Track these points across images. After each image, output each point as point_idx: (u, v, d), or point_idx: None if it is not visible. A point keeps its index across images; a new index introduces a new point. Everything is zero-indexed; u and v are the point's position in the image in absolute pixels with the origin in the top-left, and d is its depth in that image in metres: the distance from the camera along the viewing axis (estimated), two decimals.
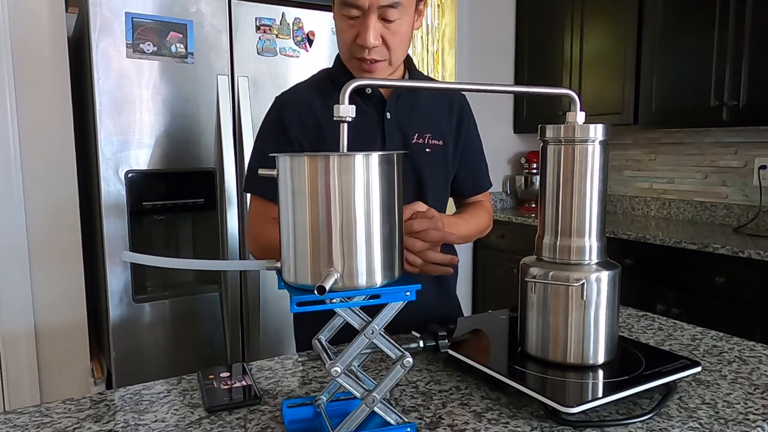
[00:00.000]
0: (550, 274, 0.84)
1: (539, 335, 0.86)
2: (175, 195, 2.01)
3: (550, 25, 3.26)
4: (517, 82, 3.50)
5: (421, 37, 3.25)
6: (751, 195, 2.73)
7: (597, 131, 0.82)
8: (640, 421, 0.76)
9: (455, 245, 1.27)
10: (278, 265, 0.69)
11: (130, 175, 1.91)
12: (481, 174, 1.35)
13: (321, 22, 2.18)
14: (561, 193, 0.85)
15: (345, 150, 0.68)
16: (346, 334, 0.77)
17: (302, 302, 0.64)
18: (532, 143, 3.64)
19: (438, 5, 3.28)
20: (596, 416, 0.77)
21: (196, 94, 2.00)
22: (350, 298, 0.68)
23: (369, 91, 1.17)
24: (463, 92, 1.29)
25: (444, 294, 1.28)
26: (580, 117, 0.83)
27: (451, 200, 1.34)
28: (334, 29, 1.16)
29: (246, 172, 1.24)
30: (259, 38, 2.08)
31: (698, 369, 0.85)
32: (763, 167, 2.66)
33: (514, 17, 3.49)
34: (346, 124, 0.69)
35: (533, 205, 3.46)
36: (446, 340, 0.93)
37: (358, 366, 0.78)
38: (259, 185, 1.18)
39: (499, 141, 3.51)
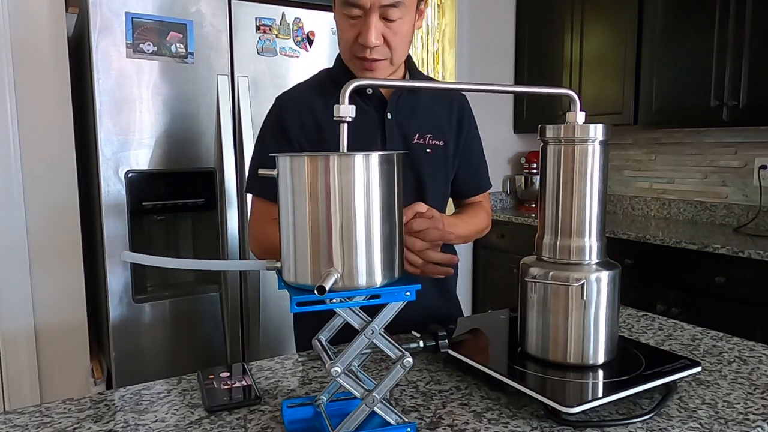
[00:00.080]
0: (550, 274, 0.84)
1: (539, 335, 0.86)
2: (175, 195, 2.01)
3: (550, 25, 3.26)
4: (517, 82, 3.50)
5: (421, 37, 3.25)
6: (751, 195, 2.73)
7: (597, 131, 0.82)
8: (640, 421, 0.76)
9: (455, 245, 1.27)
10: (278, 265, 0.69)
11: (130, 175, 1.91)
12: (481, 174, 1.35)
13: (321, 22, 2.18)
14: (561, 193, 0.85)
15: (345, 150, 0.68)
16: (346, 334, 0.77)
17: (302, 302, 0.64)
18: (532, 143, 3.64)
19: (438, 5, 3.28)
20: (596, 416, 0.77)
21: (196, 94, 2.00)
22: (350, 298, 0.68)
23: (370, 91, 1.17)
24: (463, 92, 1.29)
25: (444, 294, 1.28)
26: (580, 117, 0.83)
27: (450, 200, 1.34)
28: (335, 29, 1.16)
29: (247, 173, 1.24)
30: (259, 38, 2.08)
31: (698, 369, 0.85)
32: (763, 167, 2.66)
33: (514, 17, 3.49)
34: (346, 124, 0.69)
35: (533, 205, 3.46)
36: (446, 340, 0.93)
37: (358, 366, 0.78)
38: (260, 186, 1.18)
39: (499, 141, 3.51)
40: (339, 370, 0.67)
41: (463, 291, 3.42)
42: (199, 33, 1.98)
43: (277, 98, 1.22)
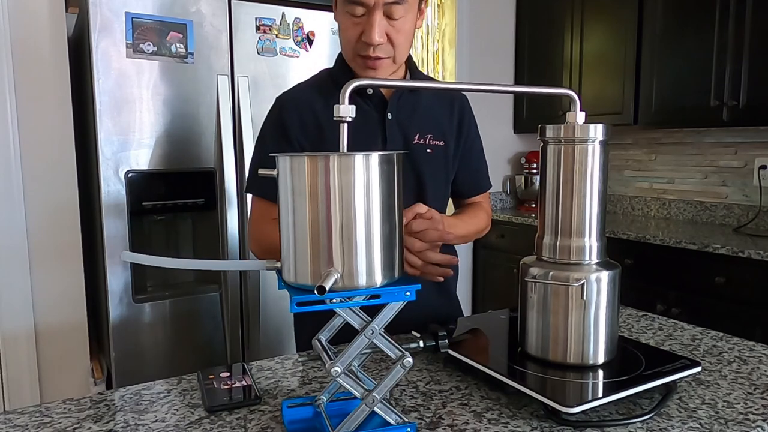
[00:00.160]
0: (550, 274, 0.84)
1: (539, 335, 0.86)
2: (175, 195, 2.01)
3: (550, 25, 3.26)
4: (517, 82, 3.50)
5: (421, 37, 3.25)
6: (751, 195, 2.73)
7: (597, 131, 0.82)
8: (640, 421, 0.76)
9: (455, 245, 1.27)
10: (278, 265, 0.69)
11: (130, 175, 1.91)
12: (481, 174, 1.35)
13: (321, 22, 2.17)
14: (561, 193, 0.85)
15: (345, 150, 0.68)
16: (346, 334, 0.77)
17: (302, 302, 0.64)
18: (532, 143, 3.64)
19: (438, 5, 3.28)
20: (596, 416, 0.77)
21: (196, 94, 2.00)
22: (350, 298, 0.68)
23: (370, 91, 1.17)
24: (463, 92, 1.29)
25: (444, 294, 1.28)
26: (580, 117, 0.83)
27: (450, 201, 1.34)
28: (335, 29, 1.16)
29: (247, 173, 1.24)
30: (259, 38, 2.08)
31: (698, 369, 0.85)
32: (763, 167, 2.66)
33: (514, 17, 3.49)
34: (346, 124, 0.69)
35: (533, 205, 3.46)
36: (446, 340, 0.93)
37: (358, 366, 0.78)
38: (260, 186, 1.18)
39: (499, 141, 3.51)
40: (339, 370, 0.67)
41: (463, 291, 3.42)
42: (199, 33, 1.98)
43: (278, 98, 1.22)
